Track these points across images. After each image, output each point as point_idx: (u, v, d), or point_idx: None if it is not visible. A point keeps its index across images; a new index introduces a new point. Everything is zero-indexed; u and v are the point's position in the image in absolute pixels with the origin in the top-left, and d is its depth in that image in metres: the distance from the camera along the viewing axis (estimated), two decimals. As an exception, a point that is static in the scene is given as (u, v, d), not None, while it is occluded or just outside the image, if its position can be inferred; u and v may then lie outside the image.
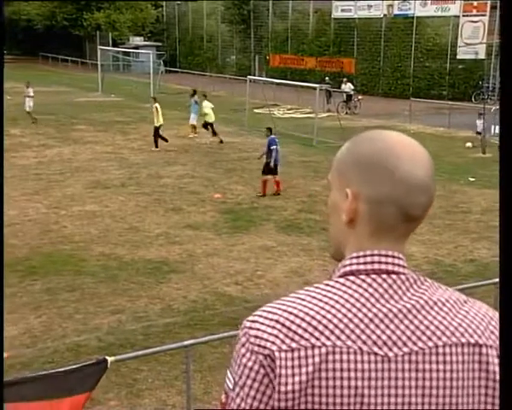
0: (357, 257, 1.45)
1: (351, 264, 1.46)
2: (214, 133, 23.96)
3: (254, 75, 40.04)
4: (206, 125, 24.19)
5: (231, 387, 1.41)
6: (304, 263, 11.70)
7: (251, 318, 1.41)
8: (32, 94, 27.02)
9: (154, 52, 45.47)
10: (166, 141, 22.55)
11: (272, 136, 17.10)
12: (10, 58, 61.36)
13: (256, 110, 31.13)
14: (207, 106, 24.18)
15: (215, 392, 7.33)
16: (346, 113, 33.10)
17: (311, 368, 1.34)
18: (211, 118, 24.12)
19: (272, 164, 16.58)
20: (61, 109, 31.02)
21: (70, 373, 5.11)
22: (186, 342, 6.38)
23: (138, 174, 18.57)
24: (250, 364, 1.37)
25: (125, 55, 51.27)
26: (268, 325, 1.37)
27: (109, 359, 5.62)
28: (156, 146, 22.26)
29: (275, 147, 16.70)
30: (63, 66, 58.48)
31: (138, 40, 57.09)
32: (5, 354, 8.10)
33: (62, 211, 14.64)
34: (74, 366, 5.26)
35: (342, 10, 44.73)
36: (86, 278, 10.76)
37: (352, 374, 1.35)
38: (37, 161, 19.98)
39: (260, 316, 1.40)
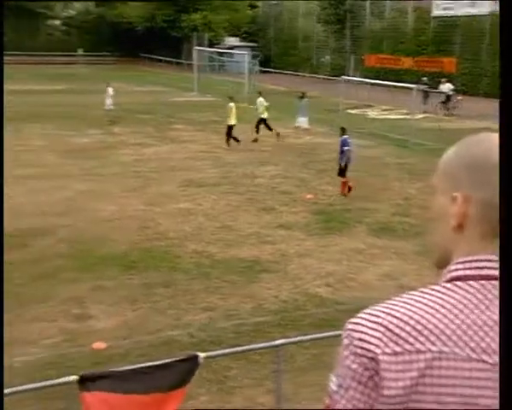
0: (466, 262, 1.41)
1: (457, 269, 1.42)
2: (266, 128, 23.99)
3: (348, 75, 39.67)
4: (260, 121, 24.20)
5: (335, 389, 1.40)
6: (397, 267, 11.48)
7: (354, 320, 1.40)
8: (111, 93, 27.82)
9: (249, 52, 45.93)
10: (238, 141, 22.72)
11: (345, 136, 16.86)
12: (112, 59, 63.86)
13: (350, 111, 30.84)
14: (263, 103, 24.26)
15: (305, 393, 7.31)
16: (445, 114, 32.21)
17: (415, 373, 1.32)
18: (264, 114, 24.21)
19: (343, 165, 16.50)
20: (159, 109, 31.88)
21: (165, 368, 5.24)
22: (277, 342, 6.40)
23: (231, 173, 18.81)
24: (354, 366, 1.36)
25: (220, 56, 52.12)
26: (371, 328, 1.36)
27: (200, 355, 5.73)
28: (228, 144, 22.60)
29: (347, 148, 16.53)
30: (160, 66, 60.15)
31: (233, 40, 57.89)
32: (103, 345, 8.43)
33: (158, 208, 15.04)
34: (168, 361, 5.39)
35: (444, 8, 43.50)
36: (180, 274, 11.00)
37: (459, 381, 1.32)
38: (136, 159, 20.61)
39: (363, 318, 1.39)
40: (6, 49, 59.82)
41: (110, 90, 27.70)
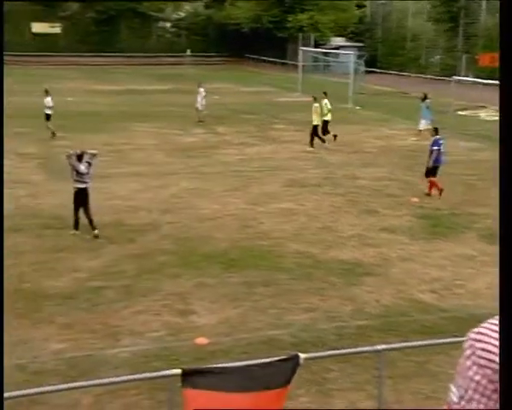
0: None
1: None
2: (324, 132, 23.31)
3: (459, 75, 38.38)
4: (324, 124, 23.51)
5: (456, 400, 1.32)
6: (508, 276, 10.94)
7: (476, 330, 1.32)
8: (204, 93, 28.08)
9: (355, 52, 45.41)
10: (324, 142, 22.66)
11: (437, 136, 16.62)
12: (219, 60, 65.09)
13: (460, 112, 29.80)
14: (327, 105, 23.72)
15: (408, 401, 7.11)
16: None
17: None
18: (328, 116, 23.64)
19: (431, 165, 16.34)
20: (263, 109, 32.12)
21: (267, 367, 5.23)
22: (379, 347, 6.26)
23: (334, 174, 18.65)
24: (477, 378, 1.28)
25: (325, 56, 51.89)
26: (496, 338, 1.27)
27: (301, 355, 5.68)
28: (312, 145, 22.50)
29: (436, 148, 16.33)
30: (265, 66, 60.67)
31: (339, 41, 57.45)
32: (205, 341, 8.57)
33: (260, 208, 15.13)
34: (269, 360, 5.38)
35: None
36: (281, 274, 11.01)
37: None
38: (239, 158, 20.86)
39: (486, 328, 1.30)
40: (121, 51, 62.53)
41: (202, 91, 28.08)
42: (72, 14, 64.57)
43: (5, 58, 59.78)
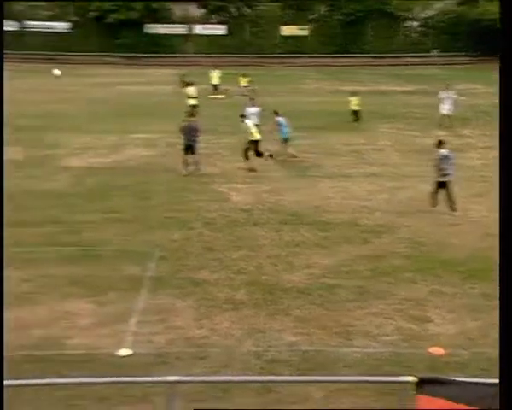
0: None
1: None
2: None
3: None
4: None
5: None
6: None
7: None
8: (453, 96, 26.46)
9: None
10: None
11: None
12: (468, 59, 62.23)
13: None
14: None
15: None
16: None
17: None
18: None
19: None
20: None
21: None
22: None
23: None
24: None
25: None
26: None
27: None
28: None
29: None
30: None
31: None
32: (441, 351, 8.19)
33: (506, 216, 14.11)
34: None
35: None
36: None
37: None
38: (482, 162, 19.72)
39: None
40: (367, 51, 62.93)
41: (451, 94, 26.66)
42: (320, 17, 66.46)
43: (253, 60, 63.50)
